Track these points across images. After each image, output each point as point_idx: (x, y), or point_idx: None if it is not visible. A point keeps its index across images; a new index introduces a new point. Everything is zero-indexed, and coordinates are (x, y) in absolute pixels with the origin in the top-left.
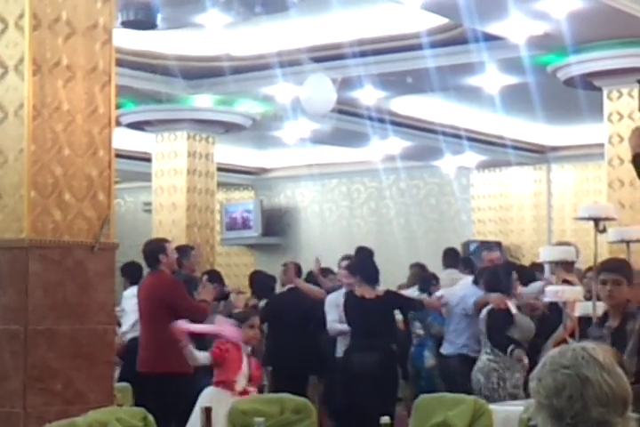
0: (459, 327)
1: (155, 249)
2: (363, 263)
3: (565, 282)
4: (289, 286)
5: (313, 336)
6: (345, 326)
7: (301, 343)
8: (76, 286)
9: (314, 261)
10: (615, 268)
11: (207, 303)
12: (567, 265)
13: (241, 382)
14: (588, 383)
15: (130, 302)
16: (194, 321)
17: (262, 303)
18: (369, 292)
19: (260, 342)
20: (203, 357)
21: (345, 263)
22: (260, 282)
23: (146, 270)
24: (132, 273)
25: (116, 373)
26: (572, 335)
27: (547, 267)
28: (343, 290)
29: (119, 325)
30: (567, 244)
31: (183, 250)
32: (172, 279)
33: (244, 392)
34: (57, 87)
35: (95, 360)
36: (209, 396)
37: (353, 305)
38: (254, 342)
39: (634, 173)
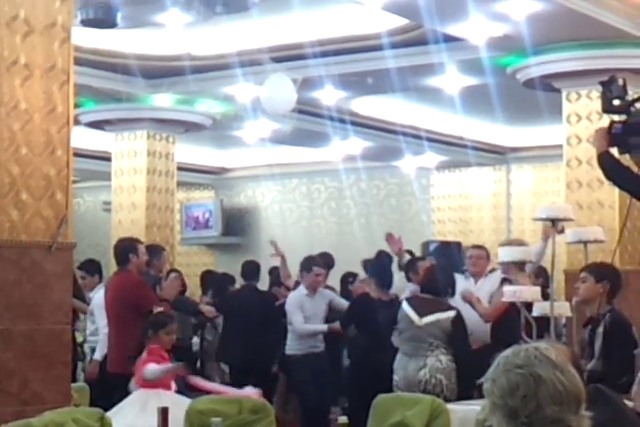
0: None
1: (126, 248)
2: (382, 268)
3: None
4: (243, 283)
5: (267, 332)
6: (321, 326)
7: (256, 340)
8: (32, 286)
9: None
10: (587, 267)
11: (167, 302)
12: (521, 264)
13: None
14: (541, 382)
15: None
16: None
17: None
18: (383, 295)
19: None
20: (159, 369)
21: (319, 270)
22: (215, 281)
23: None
24: (96, 269)
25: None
26: (528, 335)
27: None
28: (304, 291)
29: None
30: (518, 242)
31: (154, 250)
32: (139, 279)
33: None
34: (14, 86)
35: (52, 361)
36: (143, 397)
37: (372, 306)
38: (168, 347)
39: (591, 175)
